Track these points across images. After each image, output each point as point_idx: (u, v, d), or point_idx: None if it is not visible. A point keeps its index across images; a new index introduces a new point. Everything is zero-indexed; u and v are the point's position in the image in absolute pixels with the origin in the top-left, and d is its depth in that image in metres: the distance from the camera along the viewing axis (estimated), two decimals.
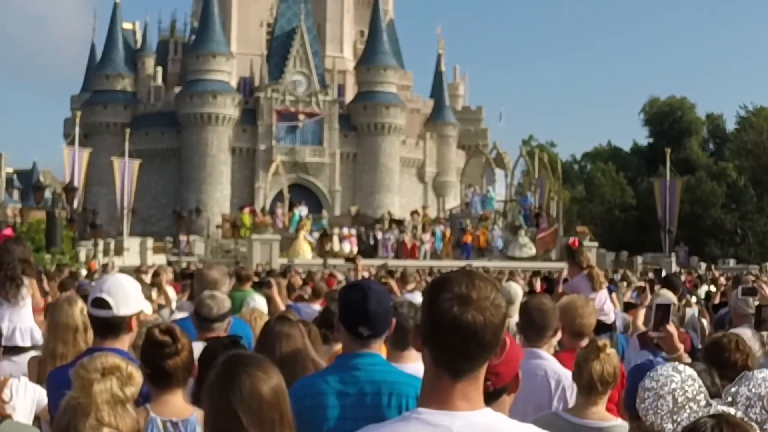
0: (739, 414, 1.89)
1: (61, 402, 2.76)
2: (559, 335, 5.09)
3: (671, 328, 4.80)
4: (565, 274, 9.45)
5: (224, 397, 2.68)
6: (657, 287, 10.27)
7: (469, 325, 2.10)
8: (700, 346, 7.19)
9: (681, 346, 4.83)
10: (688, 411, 2.19)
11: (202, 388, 2.87)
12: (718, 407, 1.90)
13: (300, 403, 3.37)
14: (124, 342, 4.05)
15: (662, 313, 4.78)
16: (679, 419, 1.95)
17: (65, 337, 4.73)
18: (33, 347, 6.36)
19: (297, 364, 4.21)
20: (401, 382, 3.49)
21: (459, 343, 2.11)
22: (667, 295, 7.13)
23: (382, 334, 3.59)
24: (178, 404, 3.62)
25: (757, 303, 6.67)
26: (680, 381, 2.33)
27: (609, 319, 8.36)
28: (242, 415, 2.63)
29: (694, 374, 2.36)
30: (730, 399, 1.98)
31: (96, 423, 2.68)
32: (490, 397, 2.69)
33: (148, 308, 4.27)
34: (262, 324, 5.28)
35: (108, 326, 4.04)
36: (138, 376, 2.88)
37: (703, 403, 2.23)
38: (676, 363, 2.43)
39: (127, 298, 4.02)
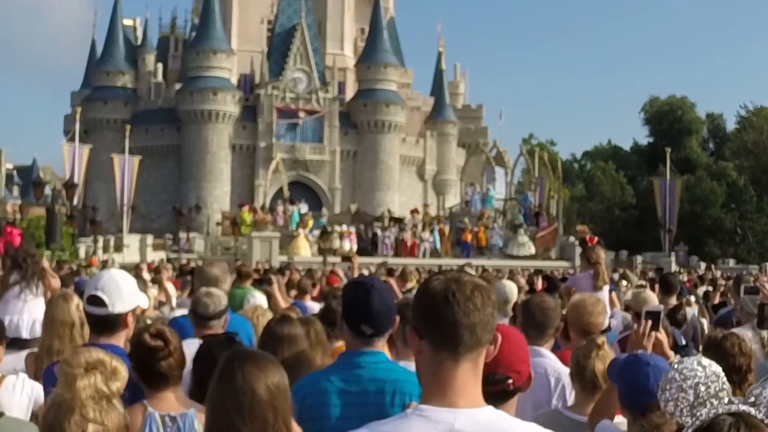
0: (760, 416, 1.86)
1: (47, 399, 2.72)
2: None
3: (661, 335, 4.79)
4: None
5: (217, 393, 2.66)
6: (657, 286, 10.22)
7: (468, 297, 2.14)
8: (683, 342, 7.17)
9: (671, 353, 4.82)
10: (708, 406, 2.16)
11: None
12: (740, 407, 1.86)
13: (302, 402, 3.34)
14: (120, 338, 4.04)
15: (652, 319, 4.77)
16: (698, 413, 1.92)
17: (61, 332, 4.70)
18: None
19: (301, 367, 4.15)
20: (404, 380, 3.46)
21: (461, 315, 2.13)
22: (652, 298, 7.11)
23: (385, 332, 3.56)
24: (175, 399, 3.62)
25: (759, 302, 6.64)
26: (704, 376, 2.32)
27: (603, 325, 8.20)
28: (232, 411, 2.59)
29: (719, 371, 2.34)
30: (752, 399, 1.95)
31: (81, 419, 2.63)
32: (507, 396, 2.67)
33: (144, 302, 4.26)
34: (264, 322, 5.26)
35: (104, 324, 4.02)
36: (123, 371, 2.84)
37: (725, 400, 2.21)
38: (702, 358, 2.41)
39: (122, 295, 4.00)
